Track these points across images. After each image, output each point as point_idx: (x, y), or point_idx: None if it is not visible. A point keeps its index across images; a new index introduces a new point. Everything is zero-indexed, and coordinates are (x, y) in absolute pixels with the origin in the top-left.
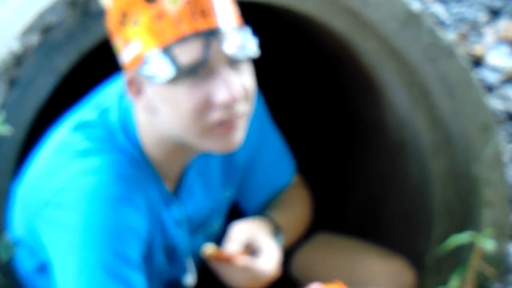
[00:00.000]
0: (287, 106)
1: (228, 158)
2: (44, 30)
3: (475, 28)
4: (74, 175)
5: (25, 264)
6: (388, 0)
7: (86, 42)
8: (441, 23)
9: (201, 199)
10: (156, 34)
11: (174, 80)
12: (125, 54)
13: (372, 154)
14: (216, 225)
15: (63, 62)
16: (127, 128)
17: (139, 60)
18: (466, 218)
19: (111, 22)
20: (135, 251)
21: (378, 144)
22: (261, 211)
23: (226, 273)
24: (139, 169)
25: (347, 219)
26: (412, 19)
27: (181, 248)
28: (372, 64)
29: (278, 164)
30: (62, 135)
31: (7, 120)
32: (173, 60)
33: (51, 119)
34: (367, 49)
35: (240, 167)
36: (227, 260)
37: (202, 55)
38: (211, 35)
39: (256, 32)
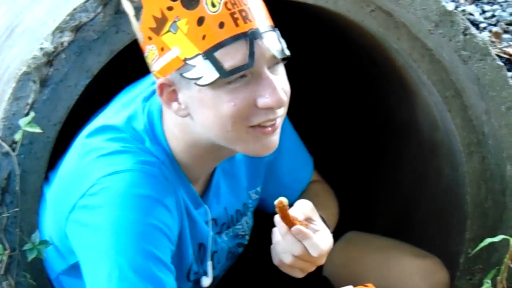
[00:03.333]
0: (320, 105)
1: (254, 159)
2: (76, 29)
3: (509, 28)
4: (102, 177)
5: (54, 265)
6: None
7: (118, 41)
8: (475, 23)
9: (228, 201)
10: (197, 39)
11: (215, 84)
12: (160, 61)
13: (405, 154)
14: (243, 225)
15: (95, 61)
16: (154, 131)
17: (177, 65)
18: (499, 219)
19: (143, 29)
20: (165, 252)
21: (411, 144)
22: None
23: (279, 242)
24: (167, 171)
25: (380, 219)
26: (446, 18)
27: (209, 248)
28: (406, 64)
29: (299, 159)
30: (88, 138)
31: (39, 120)
32: (216, 64)
33: (83, 119)
34: (401, 49)
35: (265, 166)
36: (289, 221)
37: (247, 58)
38: (253, 37)
39: (290, 31)
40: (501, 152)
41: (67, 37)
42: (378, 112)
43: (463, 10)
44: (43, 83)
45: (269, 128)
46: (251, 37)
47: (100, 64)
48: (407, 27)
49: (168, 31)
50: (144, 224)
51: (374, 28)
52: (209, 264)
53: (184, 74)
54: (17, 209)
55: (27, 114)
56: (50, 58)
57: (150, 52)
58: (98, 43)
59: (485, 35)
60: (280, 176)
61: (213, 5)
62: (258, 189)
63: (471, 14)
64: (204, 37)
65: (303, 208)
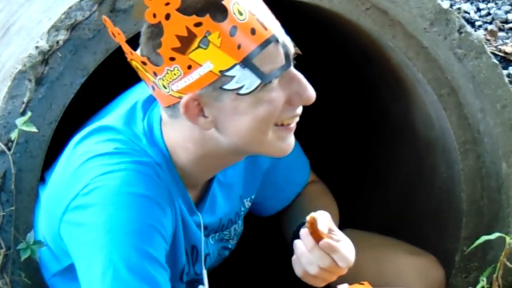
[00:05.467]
0: (314, 104)
1: (253, 167)
2: (71, 27)
3: (504, 26)
4: (95, 176)
5: (49, 266)
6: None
7: (113, 40)
8: (470, 21)
9: (223, 212)
10: (232, 50)
11: (254, 90)
12: (186, 79)
13: (400, 152)
14: (230, 232)
15: (90, 59)
16: (152, 136)
17: (211, 79)
18: (494, 217)
19: (163, 52)
20: (159, 251)
21: (406, 142)
22: (286, 211)
23: (304, 255)
24: (162, 172)
25: (375, 218)
26: (441, 17)
27: (202, 251)
28: (401, 62)
29: (296, 162)
30: (84, 140)
31: (34, 118)
32: (256, 70)
33: (79, 117)
34: (396, 47)
35: (263, 173)
36: (318, 236)
37: (283, 59)
38: (280, 38)
39: (284, 29)
40: (496, 150)
41: (62, 36)
42: (372, 110)
43: (458, 8)
44: (39, 81)
45: (292, 125)
46: (279, 38)
47: (96, 63)
48: (403, 25)
49: (198, 47)
50: (138, 222)
51: (369, 26)
52: (205, 273)
53: (224, 87)
54: (12, 208)
55: (22, 113)
56: (46, 57)
57: (169, 73)
58: (93, 42)
59: (480, 33)
60: (277, 179)
61: (240, 13)
62: (253, 196)
63: (466, 12)
64: (239, 46)
65: (325, 221)
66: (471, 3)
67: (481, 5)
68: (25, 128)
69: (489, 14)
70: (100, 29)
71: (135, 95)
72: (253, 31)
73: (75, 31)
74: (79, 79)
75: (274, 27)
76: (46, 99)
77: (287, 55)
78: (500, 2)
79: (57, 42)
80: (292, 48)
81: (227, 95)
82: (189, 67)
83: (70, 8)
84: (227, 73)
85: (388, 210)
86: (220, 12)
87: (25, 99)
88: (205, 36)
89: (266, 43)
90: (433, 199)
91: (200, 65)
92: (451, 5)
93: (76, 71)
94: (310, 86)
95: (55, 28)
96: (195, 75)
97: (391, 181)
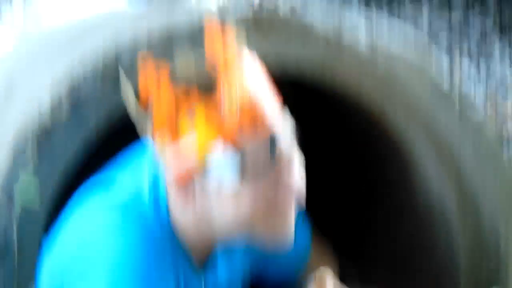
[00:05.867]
0: (310, 169)
1: None
2: (74, 91)
3: (504, 83)
4: (94, 238)
5: None
6: (419, 73)
7: (117, 102)
8: (470, 79)
9: (224, 276)
10: (214, 140)
11: (234, 184)
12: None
13: (397, 222)
14: None
15: (93, 123)
16: (157, 199)
17: (199, 170)
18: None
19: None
20: None
21: (404, 209)
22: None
23: None
24: (165, 236)
25: (372, 280)
26: (442, 89)
27: None
28: (402, 135)
29: (297, 231)
30: (84, 198)
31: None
32: (236, 165)
33: (84, 170)
34: (397, 118)
35: None
36: None
37: (271, 159)
38: (273, 139)
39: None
40: (496, 225)
41: (65, 103)
42: (370, 176)
43: (458, 67)
44: (41, 145)
45: None
46: (271, 136)
47: (99, 129)
48: (403, 97)
49: (181, 129)
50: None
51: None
52: None
53: (201, 175)
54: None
55: (25, 175)
56: (48, 121)
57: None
58: (96, 103)
59: (481, 91)
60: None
61: (231, 104)
62: (251, 261)
63: (465, 69)
64: (221, 137)
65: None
66: (470, 59)
67: (480, 62)
68: (25, 199)
69: (488, 70)
70: (104, 91)
71: (142, 151)
72: (240, 128)
73: (77, 93)
74: (82, 143)
75: (268, 122)
76: (48, 161)
77: (274, 155)
78: (500, 59)
79: (60, 107)
80: (285, 147)
81: (207, 185)
82: (174, 150)
83: (73, 71)
84: (214, 169)
85: (385, 275)
86: (208, 102)
87: (28, 160)
88: (190, 116)
89: (252, 140)
90: (432, 266)
91: (182, 147)
92: (450, 60)
93: (79, 133)
94: (296, 187)
95: (58, 93)
96: (183, 163)
97: (388, 250)
